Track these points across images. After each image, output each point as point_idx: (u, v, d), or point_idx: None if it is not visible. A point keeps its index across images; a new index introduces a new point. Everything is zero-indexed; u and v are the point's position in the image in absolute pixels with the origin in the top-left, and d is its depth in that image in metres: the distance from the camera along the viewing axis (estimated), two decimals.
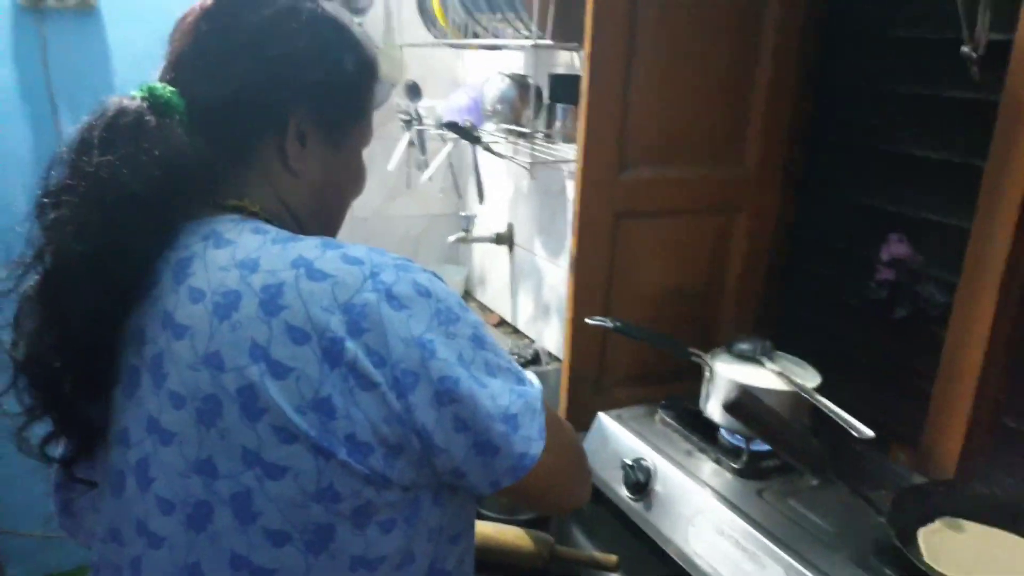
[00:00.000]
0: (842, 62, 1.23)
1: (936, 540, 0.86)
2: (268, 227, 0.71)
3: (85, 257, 0.65)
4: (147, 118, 0.68)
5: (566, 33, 1.31)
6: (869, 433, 0.92)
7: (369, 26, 1.94)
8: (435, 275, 0.70)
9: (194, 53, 0.72)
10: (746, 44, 1.19)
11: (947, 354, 1.03)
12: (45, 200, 0.67)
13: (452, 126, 1.49)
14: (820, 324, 1.29)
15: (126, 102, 0.69)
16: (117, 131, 0.67)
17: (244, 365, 0.63)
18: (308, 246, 0.67)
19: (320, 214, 0.80)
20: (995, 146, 0.95)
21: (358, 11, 1.89)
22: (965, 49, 0.92)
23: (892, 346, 1.16)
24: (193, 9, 0.74)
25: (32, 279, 0.67)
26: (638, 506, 1.08)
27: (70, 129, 0.69)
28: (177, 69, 0.73)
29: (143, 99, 0.69)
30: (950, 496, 0.93)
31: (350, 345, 0.62)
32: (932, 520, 0.90)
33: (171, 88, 0.71)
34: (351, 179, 0.83)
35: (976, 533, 0.88)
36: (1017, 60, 0.92)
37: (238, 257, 0.67)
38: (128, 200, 0.66)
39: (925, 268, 1.10)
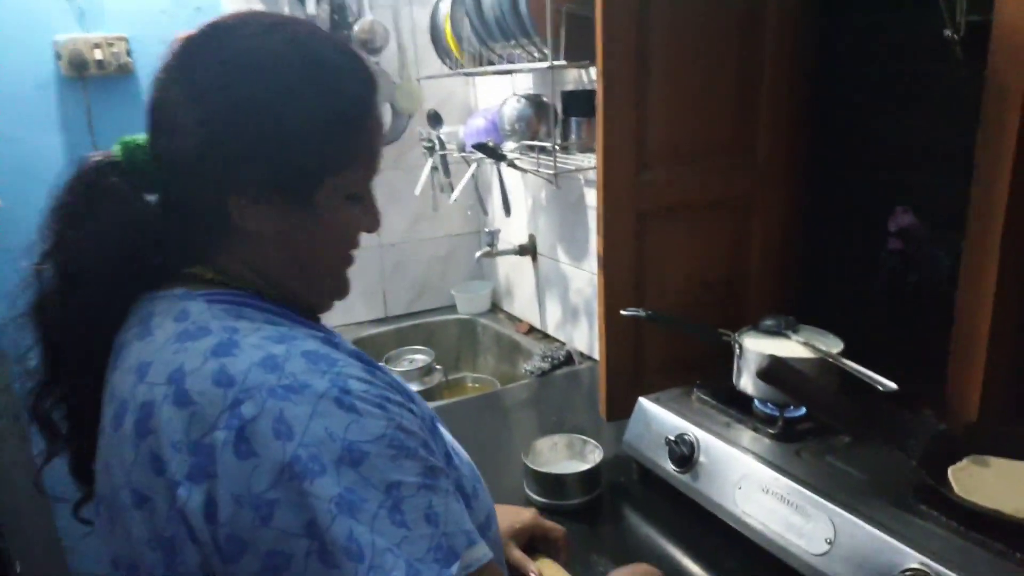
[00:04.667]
0: (838, 57, 1.33)
1: (965, 476, 0.94)
2: (196, 308, 0.65)
3: (61, 322, 0.69)
4: (108, 179, 0.67)
5: (577, 53, 1.41)
6: (892, 386, 1.00)
7: (385, 63, 2.05)
8: (366, 385, 0.59)
9: (153, 104, 0.67)
10: (749, 50, 1.29)
11: (960, 309, 1.11)
12: (36, 267, 0.69)
13: (480, 147, 1.59)
14: (841, 299, 1.38)
15: (95, 159, 0.68)
16: (77, 197, 0.67)
17: (120, 485, 0.62)
18: (198, 351, 0.60)
19: (297, 274, 0.71)
20: (985, 113, 1.02)
21: (374, 51, 2.01)
22: (947, 32, 1.01)
23: (909, 310, 1.25)
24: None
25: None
26: (685, 478, 1.16)
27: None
28: (148, 121, 0.68)
29: (117, 153, 0.68)
30: (974, 437, 1.00)
31: (182, 493, 0.56)
32: (960, 459, 0.98)
33: (140, 141, 0.68)
34: (330, 233, 0.71)
35: (1001, 466, 0.95)
36: (996, 39, 1.01)
37: (140, 358, 0.63)
38: (80, 276, 0.67)
39: (931, 235, 1.19)
